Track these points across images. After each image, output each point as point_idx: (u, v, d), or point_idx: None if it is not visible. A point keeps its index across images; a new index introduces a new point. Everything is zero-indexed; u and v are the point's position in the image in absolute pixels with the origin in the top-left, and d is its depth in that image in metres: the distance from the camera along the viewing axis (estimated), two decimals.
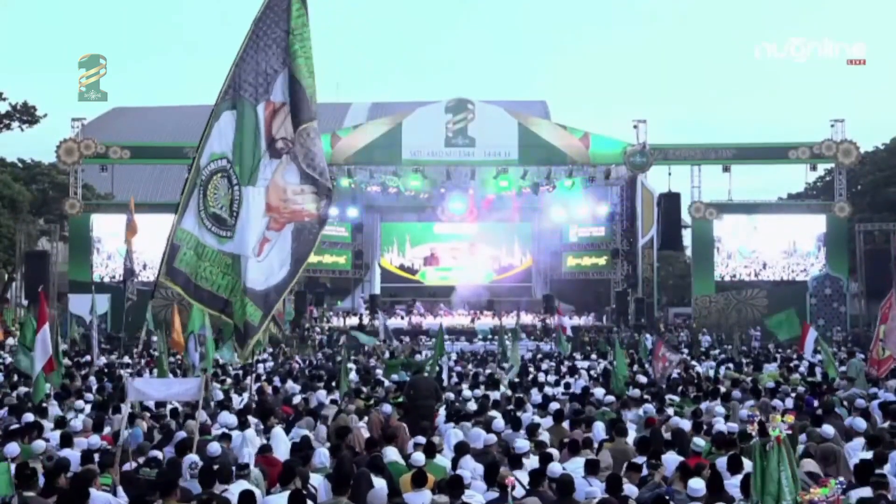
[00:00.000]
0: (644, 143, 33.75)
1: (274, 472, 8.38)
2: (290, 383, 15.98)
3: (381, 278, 40.37)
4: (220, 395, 13.80)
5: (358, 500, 7.27)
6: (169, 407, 11.79)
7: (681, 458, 8.23)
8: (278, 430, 10.03)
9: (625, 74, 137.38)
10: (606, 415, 11.33)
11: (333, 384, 15.84)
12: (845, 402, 12.50)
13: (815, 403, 12.37)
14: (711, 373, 18.65)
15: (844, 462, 8.49)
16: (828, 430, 9.38)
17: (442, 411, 12.05)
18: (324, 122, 48.95)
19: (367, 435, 10.42)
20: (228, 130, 7.35)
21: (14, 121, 37.61)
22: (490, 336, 30.66)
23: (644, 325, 32.61)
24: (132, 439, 9.43)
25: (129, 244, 25.08)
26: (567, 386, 15.21)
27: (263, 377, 17.22)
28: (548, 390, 14.29)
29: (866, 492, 7.05)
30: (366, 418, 11.31)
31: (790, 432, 5.41)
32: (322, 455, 8.81)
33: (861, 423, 10.01)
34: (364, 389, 15.07)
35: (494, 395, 13.47)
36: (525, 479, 7.52)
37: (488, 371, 18.70)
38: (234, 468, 7.83)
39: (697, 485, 6.82)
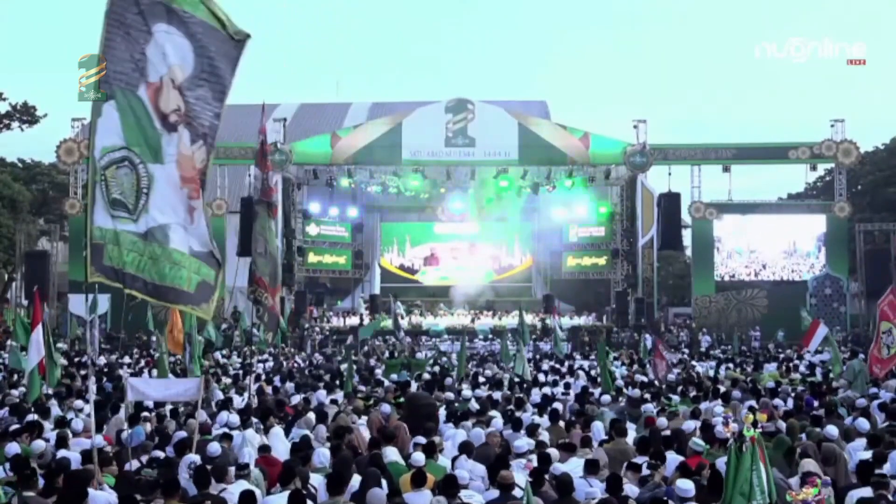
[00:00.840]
0: (644, 143, 33.76)
1: (274, 472, 8.38)
2: (289, 383, 15.98)
3: (381, 278, 40.37)
4: (221, 395, 13.80)
5: (363, 500, 7.27)
6: (169, 407, 11.79)
7: (681, 458, 8.23)
8: (278, 430, 10.03)
9: (625, 74, 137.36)
10: (606, 415, 11.34)
11: (337, 383, 15.88)
12: (844, 403, 12.50)
13: (815, 403, 12.37)
14: (711, 373, 18.65)
15: (844, 463, 8.48)
16: (831, 430, 9.36)
17: (442, 411, 12.05)
18: (324, 122, 49.10)
19: (367, 434, 10.43)
20: (113, 122, 7.53)
21: (14, 121, 37.63)
22: (490, 336, 30.67)
23: (644, 325, 32.61)
24: (134, 438, 9.43)
25: None
26: (567, 386, 15.21)
27: (263, 377, 17.23)
28: (547, 390, 14.28)
29: (867, 492, 7.05)
30: (365, 418, 11.31)
31: (772, 430, 5.41)
32: (322, 455, 8.81)
33: (864, 424, 10.01)
34: (364, 389, 15.09)
35: (496, 395, 13.48)
36: (525, 479, 7.52)
37: (488, 371, 18.69)
38: (233, 468, 7.82)
39: (686, 485, 6.80)
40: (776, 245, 34.57)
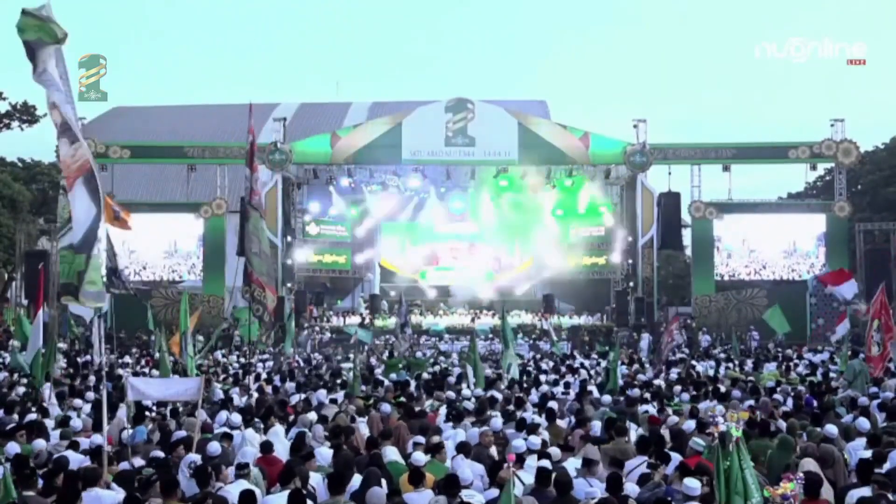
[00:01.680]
0: (644, 142, 33.75)
1: (273, 472, 8.38)
2: (290, 383, 15.99)
3: (381, 278, 40.35)
4: (221, 395, 13.81)
5: (364, 499, 7.27)
6: (169, 407, 11.80)
7: (680, 458, 8.23)
8: (278, 430, 10.03)
9: (625, 74, 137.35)
10: (606, 414, 11.32)
11: (337, 383, 15.87)
12: (844, 402, 12.51)
13: (815, 403, 12.37)
14: (711, 372, 18.65)
15: (842, 463, 8.48)
16: (831, 429, 9.37)
17: (442, 411, 12.05)
18: (324, 122, 49.07)
19: (366, 434, 10.44)
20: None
21: (14, 120, 37.63)
22: (490, 336, 30.68)
23: (644, 325, 32.60)
24: (136, 437, 9.45)
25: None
26: (567, 385, 15.22)
27: (263, 377, 17.23)
28: (547, 390, 14.28)
29: (867, 491, 7.05)
30: (365, 418, 11.31)
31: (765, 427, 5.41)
32: (322, 454, 8.81)
33: (864, 424, 10.01)
34: (364, 389, 15.08)
35: (497, 394, 13.47)
36: (526, 478, 7.53)
37: (488, 371, 18.68)
38: (233, 468, 7.83)
39: (694, 484, 6.81)
40: (776, 245, 34.55)
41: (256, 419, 10.78)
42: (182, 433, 9.52)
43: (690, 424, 10.24)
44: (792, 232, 34.41)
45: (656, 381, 16.32)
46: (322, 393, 13.65)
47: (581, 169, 34.86)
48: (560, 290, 37.71)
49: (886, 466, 7.93)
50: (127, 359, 22.63)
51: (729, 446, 5.28)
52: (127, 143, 35.39)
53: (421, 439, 9.17)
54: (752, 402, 12.66)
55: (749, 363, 21.29)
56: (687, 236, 36.16)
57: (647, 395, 13.71)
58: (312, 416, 10.98)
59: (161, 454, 8.54)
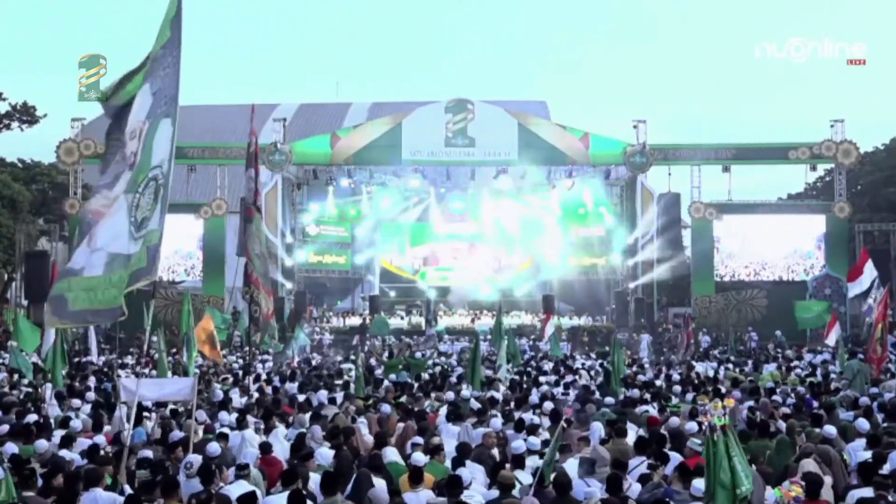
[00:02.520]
0: (644, 143, 33.74)
1: (273, 473, 8.37)
2: (290, 383, 15.98)
3: (381, 278, 40.35)
4: (221, 395, 13.80)
5: (358, 499, 7.27)
6: (169, 408, 11.79)
7: (680, 458, 8.22)
8: (278, 431, 10.02)
9: (625, 74, 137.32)
10: (606, 415, 11.32)
11: (338, 383, 15.87)
12: (844, 402, 12.50)
13: (815, 403, 12.37)
14: (711, 373, 18.64)
15: (839, 464, 8.47)
16: (830, 430, 9.37)
17: (442, 411, 12.04)
18: (324, 122, 49.07)
19: (366, 433, 10.42)
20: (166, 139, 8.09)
21: (14, 121, 37.55)
22: (489, 336, 30.64)
23: (644, 325, 32.60)
24: (136, 437, 9.44)
25: None
26: (567, 386, 15.20)
27: (263, 377, 17.23)
28: (547, 390, 14.28)
29: (867, 492, 7.04)
30: (365, 419, 11.30)
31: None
32: (323, 455, 8.81)
33: (864, 424, 10.01)
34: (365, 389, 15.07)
35: (496, 395, 13.46)
36: (526, 478, 7.52)
37: (488, 371, 18.66)
38: (233, 468, 7.83)
39: (701, 485, 6.80)
40: (776, 245, 34.53)
41: (256, 420, 10.78)
42: (178, 434, 9.52)
43: (692, 425, 10.24)
44: (792, 233, 34.39)
45: (657, 382, 16.31)
46: (322, 393, 13.64)
47: (581, 169, 34.85)
48: (560, 290, 37.71)
49: (887, 467, 7.93)
50: (127, 359, 22.63)
51: (714, 435, 5.25)
52: None
53: (420, 440, 9.17)
54: (752, 402, 12.65)
55: (749, 364, 21.28)
56: (687, 237, 36.16)
57: (648, 396, 13.70)
58: (306, 417, 10.97)
59: (150, 454, 8.51)
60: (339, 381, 16.40)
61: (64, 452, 8.70)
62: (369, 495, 7.30)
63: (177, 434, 9.61)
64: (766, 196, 44.87)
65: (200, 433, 9.96)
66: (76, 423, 10.53)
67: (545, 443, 9.07)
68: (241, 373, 18.13)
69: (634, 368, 19.80)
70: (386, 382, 15.90)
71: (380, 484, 7.62)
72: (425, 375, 17.67)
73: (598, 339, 32.07)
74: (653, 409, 11.92)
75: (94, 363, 21.54)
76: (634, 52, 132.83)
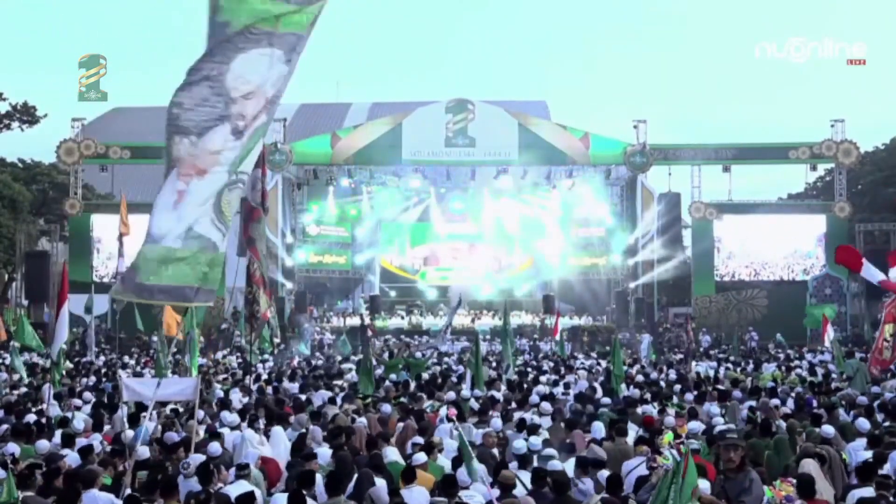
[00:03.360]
0: (644, 143, 33.74)
1: (273, 473, 8.38)
2: (290, 383, 15.97)
3: (381, 278, 40.34)
4: (221, 394, 13.80)
5: (359, 499, 7.27)
6: (170, 407, 11.78)
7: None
8: (278, 430, 10.02)
9: (625, 74, 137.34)
10: (606, 415, 11.31)
11: (338, 383, 15.87)
12: (843, 402, 12.49)
13: (815, 403, 12.36)
14: (712, 373, 18.63)
15: (838, 464, 8.46)
16: (828, 430, 9.37)
17: (442, 411, 12.02)
18: (324, 122, 49.09)
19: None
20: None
21: (14, 121, 37.57)
22: (490, 336, 30.65)
23: (644, 325, 32.59)
24: (136, 438, 9.43)
25: (120, 244, 25.10)
26: (567, 386, 15.20)
27: (263, 377, 17.22)
28: (547, 390, 14.26)
29: (868, 492, 7.04)
30: (361, 418, 11.29)
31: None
32: (322, 455, 8.81)
33: (864, 424, 10.00)
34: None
35: (496, 395, 13.45)
36: (526, 478, 7.52)
37: (490, 372, 18.66)
38: (233, 468, 7.83)
39: (703, 485, 6.80)
40: (776, 245, 34.53)
41: (258, 419, 10.78)
42: (174, 435, 9.52)
43: (693, 425, 10.24)
44: (792, 232, 34.40)
45: (658, 382, 16.29)
46: (322, 393, 13.63)
47: (581, 169, 34.85)
48: (560, 290, 37.72)
49: (887, 467, 7.92)
50: (127, 359, 22.62)
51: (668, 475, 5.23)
52: (127, 143, 35.38)
53: (420, 439, 9.17)
54: (752, 402, 12.64)
55: (749, 364, 21.26)
56: (687, 237, 36.18)
57: (648, 396, 13.69)
58: (304, 416, 10.97)
59: (146, 455, 8.51)
60: (339, 381, 16.40)
61: (65, 452, 8.70)
62: (370, 494, 7.31)
63: (174, 435, 9.61)
64: (767, 196, 44.93)
65: (202, 433, 9.95)
66: (76, 423, 10.53)
67: (546, 442, 9.07)
68: (241, 372, 18.12)
69: (635, 368, 19.79)
70: (386, 382, 15.89)
71: (380, 484, 7.63)
72: (425, 375, 17.65)
73: (598, 338, 32.06)
74: (653, 409, 11.91)
75: (94, 363, 21.53)
76: (635, 52, 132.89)
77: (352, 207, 38.17)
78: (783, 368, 19.38)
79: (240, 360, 22.37)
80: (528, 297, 38.73)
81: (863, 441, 9.30)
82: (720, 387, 14.02)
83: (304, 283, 37.12)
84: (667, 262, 33.01)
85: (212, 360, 22.60)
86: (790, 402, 12.62)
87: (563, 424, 10.70)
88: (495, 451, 9.34)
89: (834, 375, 17.13)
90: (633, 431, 10.04)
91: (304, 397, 13.45)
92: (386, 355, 24.66)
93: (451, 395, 13.55)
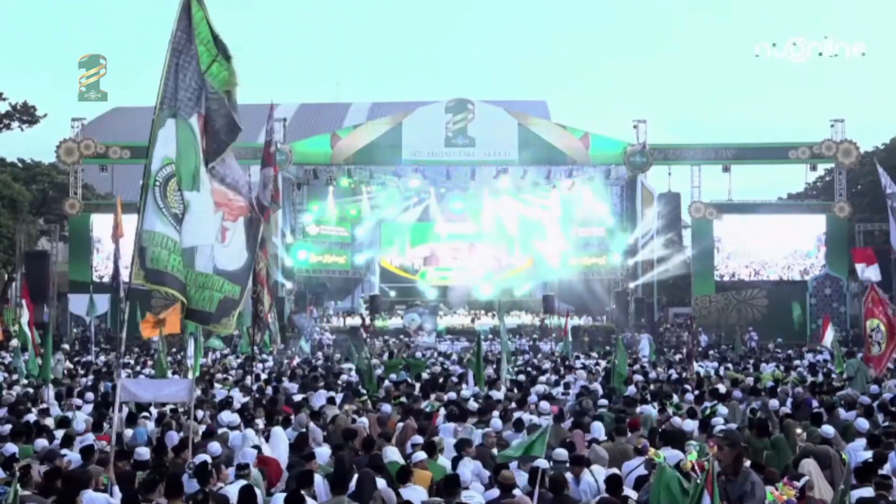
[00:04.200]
0: (644, 143, 33.74)
1: (273, 473, 8.37)
2: (290, 383, 15.97)
3: (381, 278, 40.35)
4: (222, 395, 13.80)
5: (361, 499, 7.28)
6: (169, 407, 11.79)
7: (679, 457, 8.21)
8: (278, 430, 10.02)
9: (625, 74, 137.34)
10: (606, 415, 11.31)
11: (338, 383, 15.87)
12: (844, 401, 12.49)
13: (815, 404, 12.35)
14: (712, 372, 18.63)
15: (838, 464, 8.46)
16: (828, 429, 9.37)
17: (442, 411, 12.03)
18: (324, 122, 49.07)
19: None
20: (171, 137, 7.91)
21: (14, 121, 37.56)
22: (490, 336, 30.66)
23: (644, 325, 32.60)
24: (136, 438, 9.44)
25: (116, 244, 25.11)
26: (567, 386, 15.20)
27: (263, 377, 17.22)
28: (547, 390, 14.27)
29: (868, 492, 7.04)
30: (363, 418, 11.29)
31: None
32: (322, 455, 8.82)
33: (864, 424, 10.00)
34: (364, 390, 15.06)
35: (496, 395, 13.45)
36: (525, 478, 7.53)
37: (489, 371, 18.66)
38: (233, 468, 7.83)
39: None
40: (776, 245, 34.53)
41: (258, 419, 10.78)
42: (174, 435, 9.51)
43: (690, 424, 10.24)
44: (792, 232, 34.40)
45: (657, 382, 16.29)
46: (322, 393, 13.63)
47: (581, 169, 34.85)
48: (560, 290, 37.73)
49: (886, 467, 7.92)
50: (127, 359, 22.60)
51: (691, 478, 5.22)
52: (127, 143, 35.35)
53: (419, 439, 9.18)
54: (752, 402, 12.64)
55: (749, 364, 21.27)
56: (687, 237, 36.19)
57: (648, 396, 13.70)
58: (304, 416, 10.97)
59: (146, 455, 8.51)
60: (339, 381, 16.39)
61: (65, 452, 8.70)
62: (381, 493, 7.33)
63: (173, 435, 9.61)
64: (766, 196, 44.74)
65: (200, 433, 9.96)
66: (77, 424, 10.53)
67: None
68: (241, 372, 18.12)
69: (635, 368, 19.80)
70: (386, 382, 15.90)
71: (381, 483, 7.64)
72: (425, 375, 17.66)
73: (598, 338, 32.08)
74: (653, 409, 11.91)
75: (94, 363, 21.53)
76: (634, 52, 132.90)
77: (352, 207, 38.18)
78: (783, 368, 19.38)
79: (240, 360, 22.37)
80: (528, 297, 38.74)
81: (862, 441, 9.31)
82: (721, 389, 13.98)
83: (304, 283, 37.13)
84: (667, 262, 33.01)
85: (212, 360, 22.60)
86: (790, 403, 12.63)
87: (561, 424, 10.72)
88: (495, 451, 9.34)
89: (834, 375, 17.13)
90: (632, 434, 10.05)
91: (303, 397, 13.45)
92: (386, 355, 24.67)
93: (452, 395, 13.56)
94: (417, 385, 15.58)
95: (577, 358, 23.28)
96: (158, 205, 7.78)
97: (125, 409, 10.64)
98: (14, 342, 24.21)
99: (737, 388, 14.19)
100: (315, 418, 10.86)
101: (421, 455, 8.16)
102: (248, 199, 8.66)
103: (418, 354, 24.79)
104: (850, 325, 32.35)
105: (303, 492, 6.66)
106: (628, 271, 35.85)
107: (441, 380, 16.39)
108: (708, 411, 11.56)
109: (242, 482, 7.36)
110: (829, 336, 19.57)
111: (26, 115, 37.55)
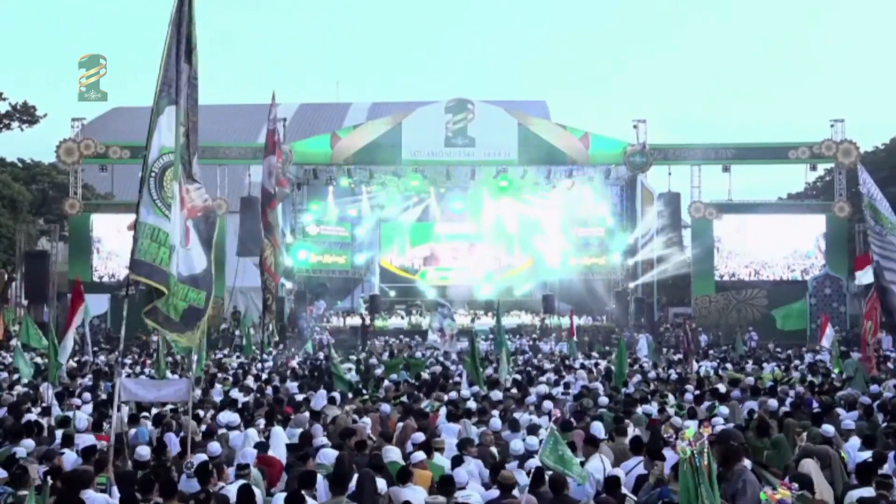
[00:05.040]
0: (644, 143, 33.74)
1: (273, 472, 8.38)
2: (291, 383, 15.97)
3: (381, 278, 40.33)
4: (221, 395, 13.80)
5: (361, 500, 7.29)
6: (169, 407, 11.79)
7: (678, 457, 8.20)
8: (278, 430, 10.02)
9: (625, 74, 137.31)
10: (606, 415, 11.31)
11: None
12: (843, 402, 12.50)
13: (815, 403, 12.36)
14: (712, 372, 18.64)
15: (838, 464, 8.47)
16: (828, 429, 9.37)
17: (442, 411, 12.04)
18: (324, 122, 49.05)
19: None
20: (170, 125, 7.88)
21: (14, 121, 37.58)
22: (490, 336, 30.66)
23: (644, 325, 32.60)
24: (137, 437, 9.44)
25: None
26: (567, 385, 15.20)
27: (263, 377, 17.22)
28: (547, 390, 14.26)
29: (868, 492, 7.04)
30: (364, 418, 11.30)
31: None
32: (323, 455, 8.82)
33: (850, 423, 10.03)
34: (365, 390, 15.08)
35: (495, 395, 13.45)
36: (524, 478, 7.53)
37: (489, 371, 18.67)
38: (233, 468, 7.83)
39: None
40: (776, 245, 34.53)
41: (258, 419, 10.78)
42: (173, 436, 9.51)
43: (690, 424, 10.23)
44: (792, 232, 34.40)
45: (657, 381, 16.30)
46: (322, 393, 13.63)
47: (581, 169, 34.85)
48: (560, 290, 37.73)
49: (886, 467, 7.92)
50: (128, 359, 22.60)
51: (684, 465, 5.21)
52: (127, 143, 35.33)
53: (418, 437, 9.19)
54: (752, 402, 12.64)
55: (749, 363, 21.27)
56: (687, 237, 36.20)
57: (648, 395, 13.69)
58: (306, 415, 10.97)
59: (146, 455, 8.51)
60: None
61: (63, 452, 8.71)
62: (387, 494, 7.35)
63: (172, 436, 9.61)
64: (766, 196, 44.79)
65: (201, 433, 9.96)
66: (79, 422, 10.54)
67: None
68: (240, 372, 18.12)
69: (634, 368, 19.81)
70: (386, 382, 15.90)
71: (381, 483, 7.65)
72: (425, 375, 17.66)
73: (598, 338, 32.08)
74: (652, 409, 11.91)
75: (94, 363, 21.53)
76: (635, 52, 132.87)
77: (351, 207, 38.16)
78: (783, 368, 19.38)
79: (240, 360, 22.38)
80: (528, 297, 38.71)
81: (857, 441, 9.32)
82: (721, 389, 13.99)
83: (304, 283, 37.12)
84: (666, 262, 33.00)
85: (213, 360, 22.62)
86: (790, 402, 12.63)
87: (552, 424, 10.71)
88: (494, 450, 9.34)
89: (833, 375, 17.14)
90: (631, 431, 10.06)
91: (303, 397, 13.45)
92: (386, 355, 24.67)
93: (452, 395, 13.57)
94: (416, 384, 15.57)
95: (579, 357, 23.29)
96: (153, 195, 7.71)
97: (125, 409, 10.65)
98: (14, 342, 24.23)
99: (736, 388, 14.20)
100: (315, 418, 10.86)
101: (420, 455, 8.17)
102: (202, 198, 8.43)
103: (418, 354, 24.79)
104: (850, 325, 32.35)
105: (304, 492, 6.66)
106: (628, 271, 35.84)
107: (442, 380, 16.40)
108: (707, 411, 11.56)
109: (242, 482, 7.37)
110: (829, 336, 19.61)
111: (26, 115, 37.56)
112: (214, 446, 8.75)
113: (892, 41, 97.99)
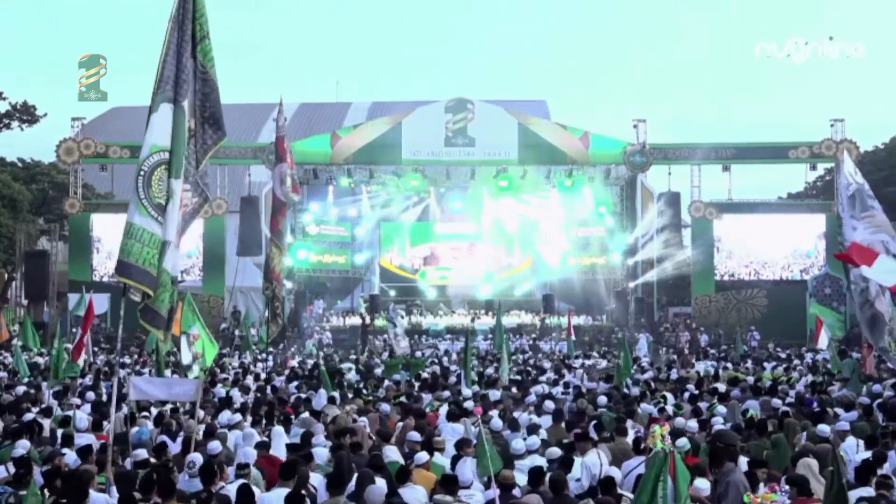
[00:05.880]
0: (644, 142, 33.74)
1: (273, 472, 8.37)
2: (289, 383, 15.97)
3: (381, 278, 40.33)
4: (222, 393, 13.80)
5: (360, 500, 7.29)
6: (169, 406, 11.79)
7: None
8: (278, 430, 10.03)
9: (625, 74, 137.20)
10: (606, 415, 11.31)
11: (337, 383, 15.85)
12: (841, 401, 12.50)
13: (815, 403, 12.37)
14: (712, 371, 18.64)
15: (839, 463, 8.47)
16: (824, 429, 9.38)
17: (442, 410, 12.04)
18: (324, 122, 49.07)
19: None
20: (167, 123, 7.77)
21: (14, 120, 37.60)
22: (490, 336, 30.66)
23: (644, 325, 32.60)
24: (137, 438, 9.44)
25: None
26: (567, 385, 15.20)
27: (263, 377, 17.22)
28: (547, 389, 14.27)
29: (867, 492, 7.04)
30: (363, 418, 11.30)
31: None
32: (322, 455, 8.82)
33: (845, 425, 10.03)
34: (365, 389, 15.08)
35: (494, 394, 13.45)
36: (524, 478, 7.53)
37: (489, 370, 18.67)
38: (233, 467, 7.84)
39: (703, 485, 6.80)
40: (776, 244, 34.52)
41: (258, 419, 10.79)
42: (173, 436, 9.52)
43: (691, 424, 10.24)
44: (792, 232, 34.40)
45: (656, 381, 16.30)
46: (323, 393, 13.63)
47: (581, 169, 34.84)
48: (560, 290, 37.72)
49: (886, 467, 7.93)
50: (126, 359, 22.59)
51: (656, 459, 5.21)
52: (127, 143, 35.28)
53: (417, 436, 9.19)
54: (753, 401, 12.64)
55: (749, 363, 21.28)
56: (687, 237, 36.18)
57: (647, 394, 13.70)
58: (307, 414, 10.98)
59: (146, 455, 8.51)
60: (337, 381, 16.36)
61: (63, 451, 8.71)
62: (366, 492, 7.33)
63: (173, 436, 9.61)
64: (766, 196, 44.69)
65: (201, 433, 9.97)
66: (79, 421, 10.54)
67: (545, 442, 9.09)
68: (240, 372, 18.11)
69: (634, 368, 19.81)
70: (386, 382, 15.90)
71: (380, 483, 7.64)
72: (424, 375, 17.66)
73: (599, 338, 32.07)
74: (652, 409, 11.91)
75: (93, 362, 21.51)
76: (635, 52, 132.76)
77: (352, 207, 38.16)
78: (783, 368, 19.38)
79: (240, 360, 22.38)
80: (528, 297, 38.71)
81: (854, 441, 9.33)
82: (720, 388, 13.99)
83: (304, 283, 37.12)
84: (666, 261, 32.99)
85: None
86: (789, 402, 12.63)
87: (561, 424, 10.72)
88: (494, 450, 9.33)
89: (835, 374, 17.13)
90: (632, 430, 10.06)
91: (303, 397, 13.44)
92: (386, 355, 24.69)
93: (447, 394, 13.57)
94: (417, 385, 15.57)
95: (577, 357, 23.31)
96: (139, 195, 7.69)
97: (124, 409, 10.65)
98: (14, 342, 24.24)
99: (735, 388, 14.20)
100: (315, 418, 10.86)
101: (424, 456, 8.16)
102: (190, 194, 8.41)
103: (418, 354, 24.81)
104: (850, 326, 32.33)
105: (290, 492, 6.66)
106: (628, 271, 35.83)
107: (442, 379, 16.41)
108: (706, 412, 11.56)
109: (242, 482, 7.38)
110: (824, 338, 19.51)
111: (26, 114, 37.58)
112: (214, 445, 8.75)
113: (892, 41, 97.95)
